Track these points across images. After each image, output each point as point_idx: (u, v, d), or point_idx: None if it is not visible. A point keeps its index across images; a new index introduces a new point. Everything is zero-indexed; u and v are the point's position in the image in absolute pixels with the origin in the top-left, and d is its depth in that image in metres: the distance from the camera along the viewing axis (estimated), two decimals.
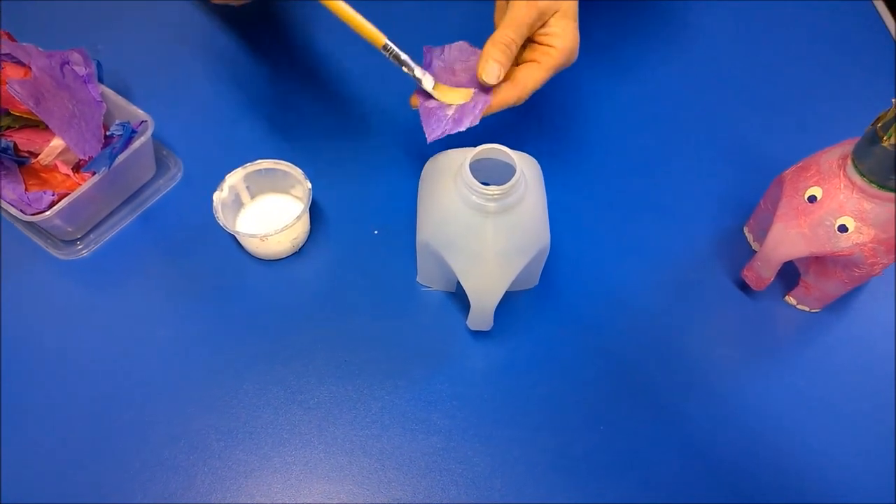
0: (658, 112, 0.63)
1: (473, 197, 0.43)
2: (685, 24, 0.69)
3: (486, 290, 0.46)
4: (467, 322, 0.50)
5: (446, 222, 0.45)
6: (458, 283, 0.47)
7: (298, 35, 0.66)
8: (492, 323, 0.49)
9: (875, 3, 0.72)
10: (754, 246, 0.56)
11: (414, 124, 0.57)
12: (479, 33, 0.49)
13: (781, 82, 0.66)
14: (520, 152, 0.47)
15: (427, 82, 0.49)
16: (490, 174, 0.46)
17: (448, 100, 0.49)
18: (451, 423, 0.48)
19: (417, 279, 0.53)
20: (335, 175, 0.58)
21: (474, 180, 0.43)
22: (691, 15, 0.70)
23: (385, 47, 0.48)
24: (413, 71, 0.49)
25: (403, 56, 0.48)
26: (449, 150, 0.49)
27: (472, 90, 0.49)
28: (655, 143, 0.61)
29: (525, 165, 0.45)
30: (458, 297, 0.53)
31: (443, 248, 0.46)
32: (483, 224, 0.44)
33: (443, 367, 0.50)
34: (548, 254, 0.50)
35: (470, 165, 0.43)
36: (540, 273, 0.52)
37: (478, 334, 0.51)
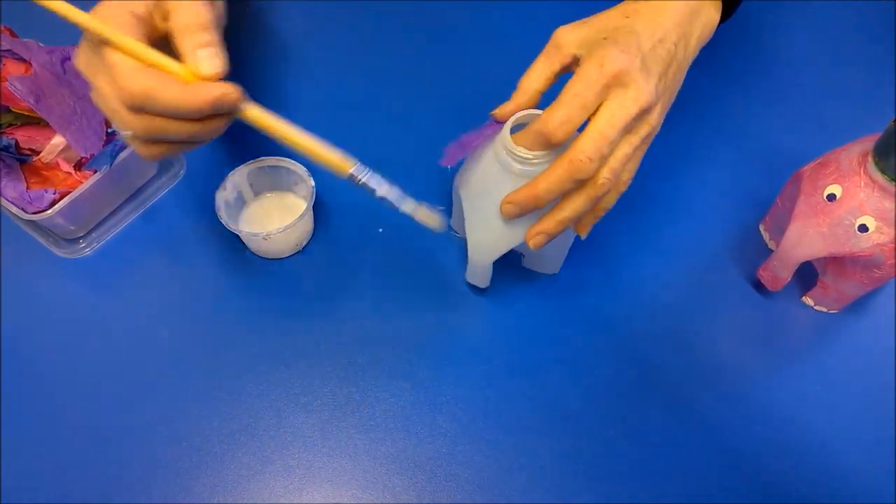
0: (673, 106, 0.62)
1: (512, 161, 0.42)
2: None
3: (486, 246, 0.46)
4: (466, 275, 0.51)
5: (473, 171, 0.45)
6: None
7: (300, 30, 0.65)
8: (488, 282, 0.50)
9: None
10: (770, 244, 0.55)
11: (419, 120, 0.56)
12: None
13: (799, 77, 0.64)
14: None
15: (407, 207, 0.43)
16: None
17: (427, 221, 0.44)
18: (457, 427, 0.47)
19: (451, 224, 0.54)
20: None
21: (514, 144, 0.42)
22: None
23: (352, 176, 0.41)
24: (387, 198, 0.42)
25: (374, 184, 0.42)
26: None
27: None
28: (670, 138, 0.60)
29: None
30: (461, 297, 0.52)
31: (465, 197, 0.46)
32: (506, 182, 0.43)
33: (448, 369, 0.49)
34: (572, 241, 0.49)
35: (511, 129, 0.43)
36: (563, 260, 0.52)
37: (481, 336, 0.51)
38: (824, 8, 0.69)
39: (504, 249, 0.46)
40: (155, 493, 0.45)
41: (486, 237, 0.46)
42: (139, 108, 0.37)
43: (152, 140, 0.39)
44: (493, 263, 0.49)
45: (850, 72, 0.64)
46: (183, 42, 0.37)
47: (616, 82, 0.39)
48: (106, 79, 0.37)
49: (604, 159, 0.40)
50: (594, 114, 0.40)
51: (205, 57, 0.37)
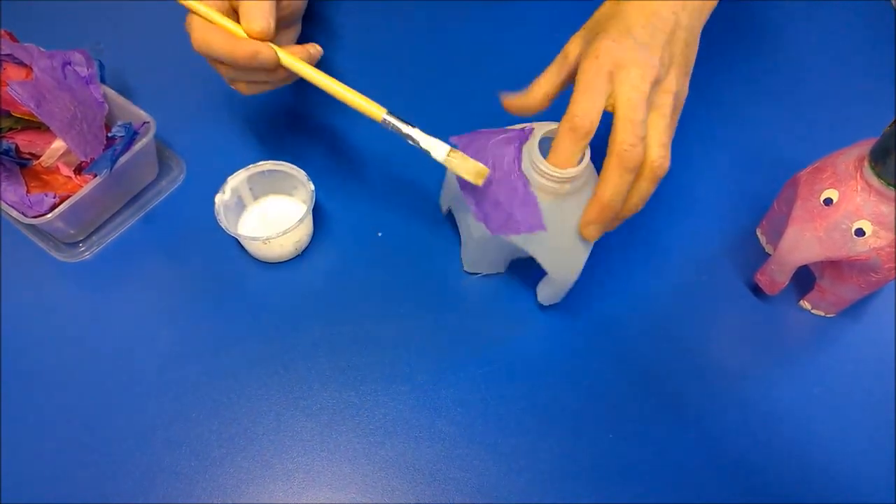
0: None
1: (547, 181, 0.43)
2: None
3: (567, 269, 0.46)
4: (540, 299, 0.50)
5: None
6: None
7: (301, 35, 0.66)
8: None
9: (893, 2, 0.70)
10: (767, 248, 0.55)
11: (418, 124, 0.56)
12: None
13: (796, 81, 0.64)
14: None
15: (438, 153, 0.45)
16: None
17: (460, 172, 0.44)
18: (456, 430, 0.47)
19: (465, 269, 0.53)
20: (338, 177, 0.57)
21: (549, 164, 0.42)
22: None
23: (385, 121, 0.45)
24: (418, 143, 0.45)
25: (406, 129, 0.45)
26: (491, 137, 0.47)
27: (487, 170, 0.44)
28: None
29: None
30: (460, 301, 0.52)
31: (517, 238, 0.45)
32: (561, 204, 0.44)
33: (447, 373, 0.49)
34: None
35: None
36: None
37: (481, 340, 0.51)
38: (823, 14, 0.69)
39: (584, 259, 0.46)
40: (153, 497, 0.45)
41: (565, 260, 0.46)
42: (206, 55, 0.47)
43: (229, 78, 0.49)
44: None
45: (847, 77, 0.65)
46: (239, 6, 0.45)
47: (617, 68, 0.41)
48: (189, 31, 0.46)
49: (644, 141, 0.41)
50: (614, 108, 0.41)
51: (252, 16, 0.44)
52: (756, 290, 0.53)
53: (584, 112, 0.40)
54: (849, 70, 0.65)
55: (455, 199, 0.50)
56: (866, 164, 0.43)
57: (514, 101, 0.46)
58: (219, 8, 0.46)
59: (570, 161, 0.42)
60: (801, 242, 0.47)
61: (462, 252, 0.53)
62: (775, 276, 0.50)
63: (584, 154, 0.43)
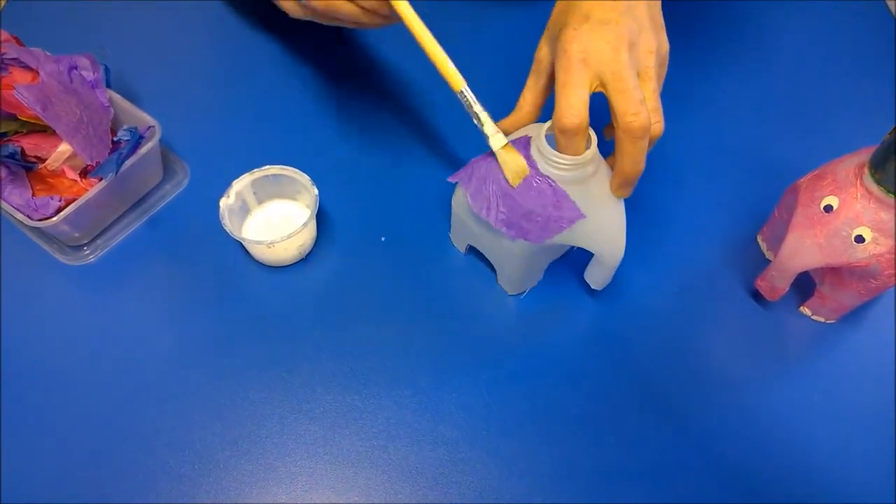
0: (669, 117, 0.62)
1: (566, 172, 0.43)
2: (698, 26, 0.69)
3: (614, 243, 0.46)
4: (593, 284, 0.50)
5: None
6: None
7: (306, 41, 0.66)
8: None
9: (893, 11, 0.71)
10: (768, 255, 0.55)
11: (421, 130, 0.56)
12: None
13: (796, 88, 0.65)
14: None
15: (496, 141, 0.45)
16: None
17: (506, 165, 0.45)
18: (459, 434, 0.48)
19: (510, 293, 0.53)
20: (342, 181, 0.58)
21: (562, 155, 0.43)
22: (702, 17, 0.69)
23: (461, 93, 0.46)
24: (483, 126, 0.46)
25: (477, 107, 0.46)
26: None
27: (528, 170, 0.45)
28: (668, 150, 0.60)
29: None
30: (463, 305, 0.52)
31: (560, 236, 0.45)
32: (586, 187, 0.44)
33: (450, 377, 0.50)
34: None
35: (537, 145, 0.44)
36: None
37: (484, 343, 0.51)
38: (824, 22, 0.70)
39: (624, 229, 0.46)
40: (157, 500, 0.45)
41: (608, 234, 0.46)
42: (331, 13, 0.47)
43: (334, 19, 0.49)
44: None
45: (847, 85, 0.65)
46: None
47: (588, 53, 0.41)
48: None
49: (644, 103, 0.41)
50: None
51: None
52: (756, 296, 0.53)
53: (568, 111, 0.41)
54: (849, 78, 0.66)
55: (476, 236, 0.51)
56: (866, 171, 0.44)
57: (507, 120, 0.48)
58: None
59: (577, 154, 0.43)
60: (802, 249, 0.47)
61: (501, 279, 0.53)
62: (776, 282, 0.50)
63: (589, 139, 0.43)
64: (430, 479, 0.46)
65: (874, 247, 0.45)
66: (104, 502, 0.45)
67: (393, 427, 0.48)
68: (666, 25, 0.45)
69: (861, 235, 0.45)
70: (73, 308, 0.52)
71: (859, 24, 0.70)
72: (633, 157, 0.42)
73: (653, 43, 0.43)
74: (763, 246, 0.56)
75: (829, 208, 0.46)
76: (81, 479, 0.46)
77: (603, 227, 0.46)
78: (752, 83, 0.65)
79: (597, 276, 0.50)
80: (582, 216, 0.44)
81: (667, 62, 0.45)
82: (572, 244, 0.47)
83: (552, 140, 0.43)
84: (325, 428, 0.48)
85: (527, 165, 0.44)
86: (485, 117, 0.46)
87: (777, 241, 0.51)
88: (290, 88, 0.63)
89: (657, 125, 0.43)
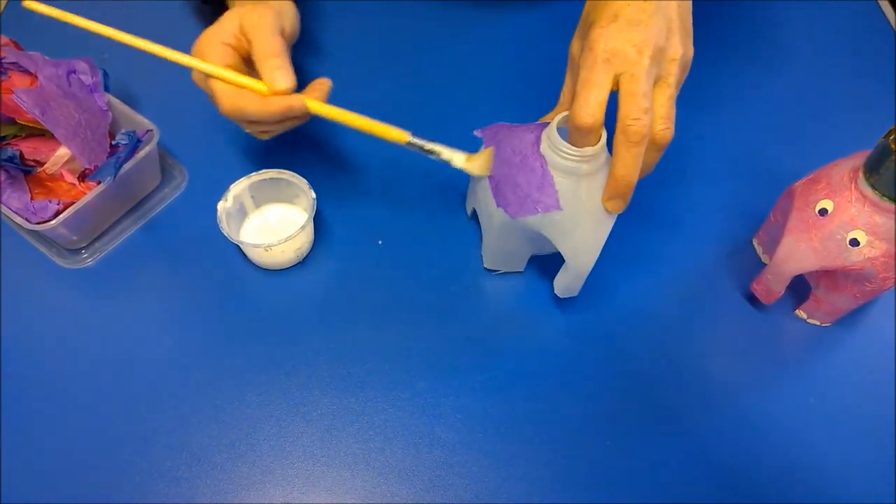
0: None
1: (564, 161, 0.43)
2: (694, 30, 0.69)
3: (585, 252, 0.46)
4: (557, 290, 0.50)
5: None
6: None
7: (303, 43, 0.66)
8: (579, 289, 0.50)
9: (888, 15, 0.71)
10: (763, 258, 0.56)
11: (418, 134, 0.56)
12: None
13: (792, 92, 0.65)
14: None
15: (457, 160, 0.48)
16: None
17: (475, 171, 0.48)
18: (456, 437, 0.48)
19: (485, 265, 0.54)
20: (339, 185, 0.58)
21: (567, 144, 0.43)
22: (698, 21, 0.69)
23: (409, 143, 0.48)
24: (440, 155, 0.48)
25: (429, 146, 0.48)
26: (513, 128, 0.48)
27: (491, 149, 0.48)
28: (665, 153, 0.61)
29: None
30: (462, 307, 0.53)
31: (535, 220, 0.46)
32: (577, 186, 0.44)
33: (447, 380, 0.50)
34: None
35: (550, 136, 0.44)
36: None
37: (480, 347, 0.51)
38: (820, 25, 0.70)
39: (601, 244, 0.46)
40: (154, 502, 0.45)
41: (582, 241, 0.46)
42: (238, 119, 0.49)
43: (257, 131, 0.52)
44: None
45: (842, 89, 0.66)
46: (261, 66, 0.47)
47: (613, 52, 0.41)
48: (214, 98, 0.49)
49: (649, 112, 0.41)
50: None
51: (277, 77, 0.47)
52: (752, 300, 0.54)
53: (584, 109, 0.41)
54: (844, 83, 0.66)
55: (478, 197, 0.51)
56: (861, 175, 0.44)
57: (549, 116, 0.50)
58: (234, 67, 0.48)
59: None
60: (797, 252, 0.47)
61: (483, 249, 0.53)
62: (771, 285, 0.50)
63: (600, 135, 0.44)
64: (427, 482, 0.46)
65: (869, 250, 0.45)
66: (101, 503, 0.45)
67: (390, 429, 0.48)
68: None
69: (856, 239, 0.45)
70: (71, 311, 0.52)
71: (856, 29, 0.70)
72: (626, 161, 0.42)
73: (679, 50, 0.43)
74: (759, 249, 0.56)
75: (823, 212, 0.46)
76: (79, 480, 0.46)
77: (578, 230, 0.45)
78: (748, 88, 0.65)
79: (561, 281, 0.49)
80: (558, 208, 0.44)
81: (688, 69, 0.45)
82: (545, 235, 0.46)
83: (565, 132, 0.44)
84: (323, 430, 0.48)
85: (490, 160, 0.47)
86: (438, 149, 0.48)
87: (773, 245, 0.51)
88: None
89: (666, 131, 0.43)
